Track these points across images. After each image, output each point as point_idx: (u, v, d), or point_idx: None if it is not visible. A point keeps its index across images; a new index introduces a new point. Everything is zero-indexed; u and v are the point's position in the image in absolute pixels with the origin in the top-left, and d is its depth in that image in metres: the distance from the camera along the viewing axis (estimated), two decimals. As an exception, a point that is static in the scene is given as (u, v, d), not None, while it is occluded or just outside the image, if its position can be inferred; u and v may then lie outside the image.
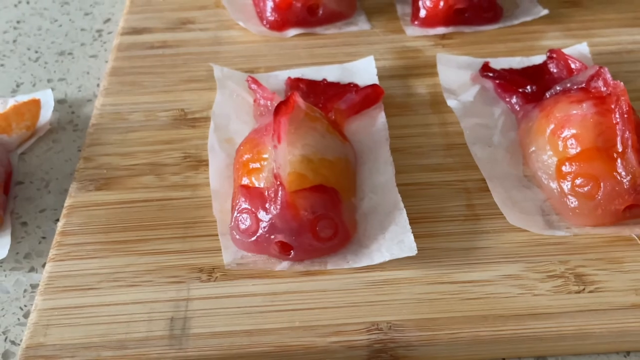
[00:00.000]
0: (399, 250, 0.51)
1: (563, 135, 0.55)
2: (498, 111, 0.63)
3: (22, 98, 0.69)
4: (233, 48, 0.73)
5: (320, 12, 0.74)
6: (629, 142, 0.52)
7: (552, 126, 0.56)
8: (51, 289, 0.51)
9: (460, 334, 0.47)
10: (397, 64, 0.69)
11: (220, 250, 0.53)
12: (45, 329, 0.48)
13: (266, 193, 0.52)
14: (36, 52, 0.78)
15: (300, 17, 0.74)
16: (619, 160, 0.52)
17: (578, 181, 0.53)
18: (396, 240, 0.52)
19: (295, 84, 0.66)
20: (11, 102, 0.68)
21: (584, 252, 0.51)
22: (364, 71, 0.68)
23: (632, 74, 0.66)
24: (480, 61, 0.67)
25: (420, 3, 0.73)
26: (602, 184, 0.52)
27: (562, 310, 0.48)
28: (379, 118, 0.62)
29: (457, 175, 0.58)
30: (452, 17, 0.73)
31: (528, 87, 0.63)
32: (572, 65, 0.63)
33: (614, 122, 0.53)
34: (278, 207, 0.51)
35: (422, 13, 0.73)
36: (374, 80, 0.66)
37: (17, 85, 0.74)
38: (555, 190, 0.54)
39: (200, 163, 0.60)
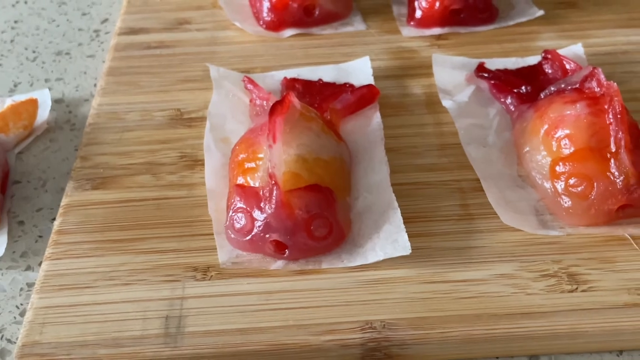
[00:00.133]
0: (393, 249, 0.51)
1: (557, 136, 0.55)
2: (493, 111, 0.63)
3: (20, 97, 0.69)
4: (229, 48, 0.73)
5: (317, 12, 0.74)
6: (622, 143, 0.52)
7: (546, 126, 0.56)
8: (47, 287, 0.51)
9: (454, 332, 0.48)
10: (393, 65, 0.70)
11: (216, 249, 0.53)
12: (41, 327, 0.49)
13: (261, 192, 0.52)
14: (34, 51, 0.78)
15: (296, 17, 0.74)
16: (612, 161, 0.52)
17: (571, 181, 0.53)
18: (390, 239, 0.52)
19: (291, 84, 0.66)
20: (9, 102, 0.68)
21: (577, 252, 0.52)
22: (359, 71, 0.68)
23: (627, 74, 0.66)
24: (475, 62, 0.67)
25: (416, 4, 0.74)
26: (595, 184, 0.52)
27: (555, 309, 0.48)
28: (374, 118, 0.63)
29: (452, 175, 0.58)
30: (448, 17, 0.73)
31: (523, 87, 0.63)
32: (567, 66, 0.63)
33: (607, 122, 0.53)
34: (273, 206, 0.51)
35: (418, 14, 0.74)
36: (370, 80, 0.66)
37: (15, 85, 0.74)
38: (549, 190, 0.54)
39: (196, 162, 0.60)
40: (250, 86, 0.64)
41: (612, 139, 0.52)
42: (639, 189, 0.51)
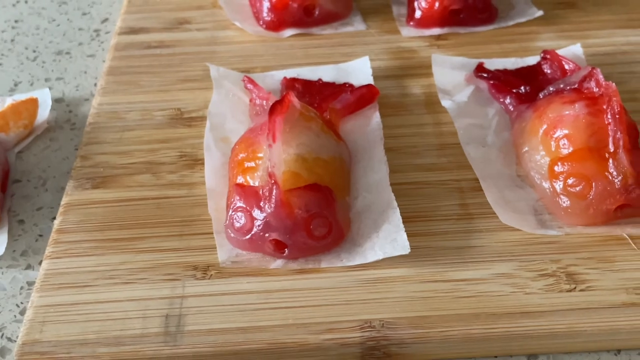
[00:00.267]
0: (392, 248, 0.51)
1: (555, 136, 0.55)
2: (492, 111, 0.63)
3: (20, 97, 0.69)
4: (229, 48, 0.73)
5: (317, 12, 0.75)
6: (621, 143, 0.52)
7: (545, 126, 0.56)
8: (47, 286, 0.51)
9: (453, 331, 0.48)
10: (392, 65, 0.70)
11: (216, 248, 0.53)
12: (41, 325, 0.49)
13: (261, 192, 0.52)
14: (34, 51, 0.78)
15: (296, 17, 0.74)
16: (610, 161, 0.52)
17: (570, 181, 0.53)
18: (389, 239, 0.52)
19: (290, 83, 0.66)
20: (9, 101, 0.68)
21: (576, 251, 0.52)
22: (359, 71, 0.68)
23: (626, 74, 0.66)
24: (474, 62, 0.68)
25: (415, 4, 0.74)
26: (593, 183, 0.52)
27: (553, 308, 0.48)
28: (374, 118, 0.63)
29: (451, 175, 0.58)
30: (448, 18, 0.73)
31: (522, 87, 0.63)
32: (566, 66, 0.64)
33: (606, 122, 0.53)
34: (272, 205, 0.51)
35: (418, 14, 0.74)
36: (369, 80, 0.67)
37: (15, 84, 0.74)
38: (547, 190, 0.55)
39: (196, 162, 0.60)
40: (250, 86, 0.64)
41: (610, 139, 0.52)
42: (637, 189, 0.52)
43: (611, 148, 0.52)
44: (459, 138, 0.60)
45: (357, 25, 0.76)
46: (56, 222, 0.56)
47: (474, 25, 0.74)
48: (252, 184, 0.53)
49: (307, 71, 0.69)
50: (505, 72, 0.66)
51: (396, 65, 0.70)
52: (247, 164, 0.54)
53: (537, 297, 0.49)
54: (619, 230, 0.53)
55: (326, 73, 0.68)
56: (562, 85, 0.59)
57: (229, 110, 0.64)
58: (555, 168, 0.54)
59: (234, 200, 0.53)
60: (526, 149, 0.57)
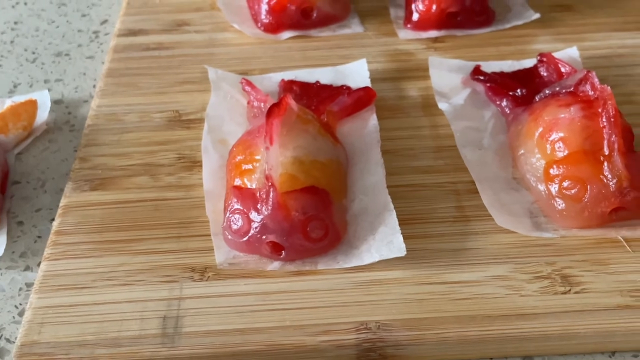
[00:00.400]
0: (388, 251, 0.52)
1: (551, 139, 0.56)
2: (488, 114, 0.63)
3: (19, 98, 0.69)
4: (228, 50, 0.74)
5: (315, 15, 0.75)
6: (615, 146, 0.52)
7: (540, 129, 0.57)
8: (46, 287, 0.52)
9: (448, 333, 0.48)
10: (390, 67, 0.70)
11: (213, 250, 0.53)
12: (40, 327, 0.49)
13: (258, 194, 0.52)
14: (33, 52, 0.79)
15: (294, 19, 0.74)
16: (605, 164, 0.52)
17: (565, 184, 0.53)
18: (386, 241, 0.52)
19: (288, 86, 0.67)
20: (8, 103, 0.69)
21: (571, 254, 0.52)
22: (356, 74, 0.68)
23: (621, 77, 0.67)
24: (471, 64, 0.68)
25: (413, 6, 0.74)
26: (588, 186, 0.53)
27: (548, 310, 0.49)
28: (371, 120, 0.63)
29: (447, 177, 0.59)
30: (445, 20, 0.73)
31: (518, 90, 0.63)
32: (562, 69, 0.64)
33: (601, 125, 0.53)
34: (269, 208, 0.51)
35: (415, 16, 0.74)
36: (367, 82, 0.67)
37: (15, 86, 0.74)
38: (543, 193, 0.55)
39: (194, 164, 0.61)
40: (247, 88, 0.64)
41: (605, 142, 0.53)
42: (632, 192, 0.52)
43: (606, 151, 0.53)
44: (455, 141, 0.61)
45: (354, 27, 0.76)
46: (55, 223, 0.56)
47: (471, 28, 0.74)
48: (249, 187, 0.54)
49: (304, 73, 0.69)
50: (501, 74, 0.66)
51: (393, 68, 0.70)
52: (245, 167, 0.55)
53: (532, 299, 0.50)
54: (614, 233, 0.53)
55: (324, 75, 0.69)
56: (557, 89, 0.60)
57: (226, 112, 0.65)
58: (551, 171, 0.54)
59: (231, 203, 0.53)
60: (522, 151, 0.58)
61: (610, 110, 0.53)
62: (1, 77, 0.75)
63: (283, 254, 0.52)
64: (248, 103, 0.64)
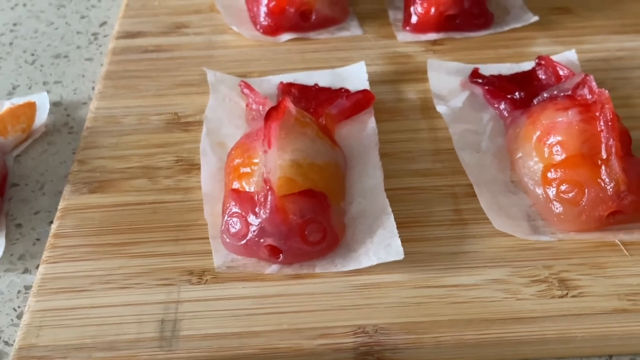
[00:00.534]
0: (386, 254, 0.52)
1: (549, 142, 0.56)
2: (486, 117, 0.63)
3: (18, 101, 0.69)
4: (226, 52, 0.74)
5: (313, 17, 0.75)
6: (613, 150, 0.52)
7: (538, 133, 0.57)
8: (44, 290, 0.52)
9: (446, 337, 0.48)
10: (388, 70, 0.70)
11: (211, 253, 0.53)
12: (38, 330, 0.49)
13: (256, 197, 0.52)
14: (32, 54, 0.79)
15: (293, 22, 0.75)
16: (603, 167, 0.52)
17: (563, 187, 0.53)
18: (383, 244, 0.53)
19: (287, 88, 0.67)
20: (7, 105, 0.69)
21: (568, 257, 0.52)
22: (355, 76, 0.69)
23: (620, 80, 0.67)
24: (470, 67, 0.68)
25: (411, 9, 0.74)
26: (586, 190, 0.53)
27: (545, 314, 0.49)
28: (369, 123, 0.63)
29: (445, 180, 0.59)
30: (443, 23, 0.73)
31: (516, 93, 0.63)
32: (560, 72, 0.64)
33: (599, 129, 0.54)
34: (267, 211, 0.51)
35: (414, 19, 0.74)
36: (365, 85, 0.67)
37: (14, 88, 0.74)
38: (540, 196, 0.55)
39: (192, 167, 0.61)
40: (246, 91, 0.64)
41: (603, 146, 0.53)
42: (630, 196, 0.52)
43: (604, 155, 0.53)
44: (453, 144, 0.61)
45: (353, 30, 0.76)
46: (53, 226, 0.56)
47: (470, 31, 0.74)
48: (247, 190, 0.54)
49: (303, 76, 0.69)
50: (500, 77, 0.66)
51: (392, 70, 0.70)
52: (243, 170, 0.55)
53: (529, 303, 0.50)
54: (612, 237, 0.53)
55: (322, 78, 0.69)
56: (555, 92, 0.60)
57: (225, 115, 0.65)
58: (549, 174, 0.54)
59: (229, 206, 0.53)
60: (520, 155, 0.58)
61: (608, 114, 0.53)
62: (0, 79, 0.75)
63: (281, 257, 0.52)
64: (247, 106, 0.64)
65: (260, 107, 0.62)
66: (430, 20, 0.73)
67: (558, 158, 0.55)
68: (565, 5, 0.77)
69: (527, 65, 0.68)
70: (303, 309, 0.50)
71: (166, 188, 0.59)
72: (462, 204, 0.57)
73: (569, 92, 0.58)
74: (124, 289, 0.52)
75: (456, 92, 0.66)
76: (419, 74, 0.69)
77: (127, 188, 0.59)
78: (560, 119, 0.56)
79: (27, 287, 0.55)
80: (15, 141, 0.66)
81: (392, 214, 0.54)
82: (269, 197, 0.51)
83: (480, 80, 0.66)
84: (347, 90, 0.66)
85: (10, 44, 0.81)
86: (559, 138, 0.55)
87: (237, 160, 0.56)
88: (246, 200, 0.53)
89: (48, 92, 0.72)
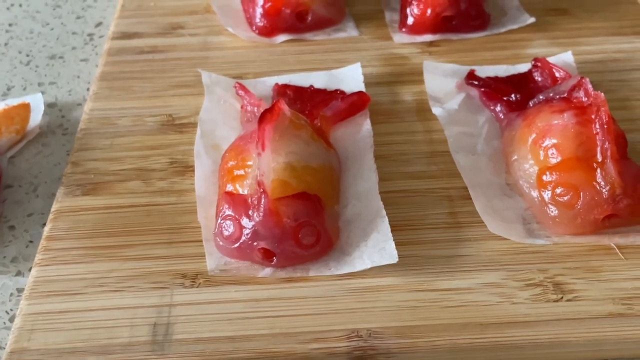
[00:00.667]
0: (380, 257, 0.52)
1: (544, 145, 0.55)
2: (482, 119, 0.63)
3: (13, 101, 0.69)
4: (222, 54, 0.73)
5: (309, 18, 0.75)
6: (609, 153, 0.52)
7: (534, 135, 0.56)
8: (36, 293, 0.51)
9: (440, 341, 0.48)
10: (384, 71, 0.70)
11: (204, 256, 0.53)
12: (30, 333, 0.49)
13: (250, 200, 0.52)
14: (27, 55, 0.79)
15: (289, 23, 0.74)
16: (598, 171, 0.52)
17: (558, 190, 0.53)
18: (378, 247, 0.52)
19: (282, 90, 0.67)
20: (1, 106, 0.68)
21: (563, 261, 0.52)
22: (350, 78, 0.68)
23: (616, 83, 0.66)
24: (466, 69, 0.68)
25: (408, 10, 0.74)
26: (581, 193, 0.52)
27: (540, 318, 0.49)
28: (365, 125, 0.63)
29: (441, 183, 0.58)
30: (440, 24, 0.73)
31: (512, 95, 0.63)
32: (557, 74, 0.64)
33: (594, 132, 0.53)
34: (261, 214, 0.51)
35: (410, 20, 0.74)
36: (361, 87, 0.67)
37: (8, 89, 0.74)
38: (536, 199, 0.55)
39: (186, 169, 0.60)
40: (241, 92, 0.64)
41: (598, 149, 0.53)
42: (625, 199, 0.52)
43: (599, 158, 0.53)
44: (449, 146, 0.60)
45: (349, 31, 0.76)
46: (46, 229, 0.56)
47: (466, 32, 0.74)
48: (241, 192, 0.53)
49: (299, 77, 0.69)
50: (496, 79, 0.66)
51: (388, 72, 0.70)
52: (237, 172, 0.55)
53: (524, 307, 0.49)
54: (607, 240, 0.53)
55: (318, 79, 0.68)
56: (551, 94, 0.60)
57: (220, 116, 0.65)
58: (544, 177, 0.54)
59: (223, 209, 0.53)
60: (515, 157, 0.57)
61: (604, 117, 0.53)
62: (-5, 79, 0.75)
63: (274, 260, 0.52)
64: (242, 107, 0.64)
65: (255, 108, 0.62)
66: (427, 22, 0.73)
67: (553, 161, 0.54)
68: (562, 6, 0.77)
69: (524, 67, 0.68)
70: (297, 312, 0.50)
71: (160, 190, 0.59)
72: (457, 207, 0.56)
73: (565, 95, 0.58)
74: (117, 292, 0.51)
75: (452, 94, 0.66)
76: (415, 76, 0.69)
77: (120, 190, 0.59)
78: (555, 122, 0.56)
79: (20, 290, 0.55)
80: (9, 142, 0.66)
81: (386, 217, 0.54)
82: (263, 200, 0.51)
83: (476, 82, 0.65)
84: (342, 92, 0.66)
85: (6, 44, 0.80)
86: (555, 141, 0.55)
87: (231, 163, 0.56)
88: (240, 203, 0.52)
89: (43, 93, 0.72)
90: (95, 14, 0.84)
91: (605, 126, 0.53)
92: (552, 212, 0.53)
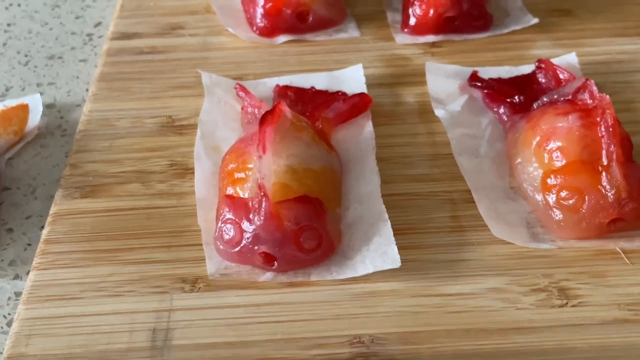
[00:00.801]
0: (382, 262, 0.51)
1: (549, 148, 0.55)
2: (485, 121, 0.63)
3: (11, 103, 0.69)
4: (222, 54, 0.73)
5: (310, 18, 0.74)
6: (614, 156, 0.51)
7: (538, 138, 0.56)
8: (34, 298, 0.51)
9: (443, 347, 0.47)
10: (386, 72, 0.69)
11: (205, 260, 0.52)
12: (27, 338, 0.48)
13: (250, 203, 0.51)
14: (26, 55, 0.78)
15: (290, 23, 0.74)
16: (603, 174, 0.52)
17: (563, 194, 0.53)
18: (380, 252, 0.52)
19: (283, 91, 0.66)
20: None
21: (568, 266, 0.51)
22: (352, 79, 0.68)
23: (620, 84, 0.66)
24: (469, 70, 0.67)
25: (410, 11, 0.73)
26: (586, 197, 0.52)
27: (544, 324, 0.48)
28: (367, 127, 0.62)
29: (443, 186, 0.58)
30: (442, 25, 0.72)
31: (516, 97, 0.63)
32: (561, 76, 0.63)
33: (599, 135, 0.53)
34: (262, 217, 0.50)
35: (412, 21, 0.73)
36: (363, 88, 0.66)
37: (7, 89, 0.73)
38: (540, 203, 0.54)
39: (186, 171, 0.60)
40: (242, 93, 0.63)
41: (603, 152, 0.52)
42: (630, 203, 0.51)
43: (604, 161, 0.52)
44: (451, 148, 0.60)
45: (351, 31, 0.75)
46: (44, 232, 0.56)
47: (469, 33, 0.73)
48: (241, 196, 0.53)
49: (300, 78, 0.68)
50: (499, 81, 0.65)
51: (390, 73, 0.69)
52: (237, 175, 0.54)
53: (528, 312, 0.49)
54: (612, 244, 0.52)
55: (319, 81, 0.68)
56: (555, 96, 0.59)
57: (220, 118, 0.64)
58: (548, 180, 0.54)
59: (223, 212, 0.52)
60: (519, 160, 0.57)
61: (609, 120, 0.52)
62: (-7, 80, 0.75)
63: (275, 264, 0.51)
64: (242, 109, 0.63)
65: (256, 110, 0.61)
66: (429, 22, 0.72)
67: (558, 164, 0.54)
68: (566, 7, 0.76)
69: (527, 69, 0.67)
70: (298, 318, 0.49)
71: (159, 193, 0.58)
72: (460, 211, 0.56)
73: (569, 97, 0.57)
74: (116, 297, 0.51)
75: (455, 96, 0.65)
76: (417, 77, 0.68)
77: (119, 193, 0.58)
78: (560, 124, 0.55)
79: (18, 294, 0.54)
80: (7, 144, 0.65)
81: (389, 220, 0.54)
82: (264, 204, 0.50)
83: (479, 84, 0.65)
84: (344, 93, 0.65)
85: (4, 44, 0.80)
86: (559, 144, 0.54)
87: (232, 165, 0.55)
88: (240, 207, 0.52)
89: (41, 93, 0.72)
90: (94, 14, 0.84)
91: (610, 129, 0.52)
92: (556, 215, 0.53)
